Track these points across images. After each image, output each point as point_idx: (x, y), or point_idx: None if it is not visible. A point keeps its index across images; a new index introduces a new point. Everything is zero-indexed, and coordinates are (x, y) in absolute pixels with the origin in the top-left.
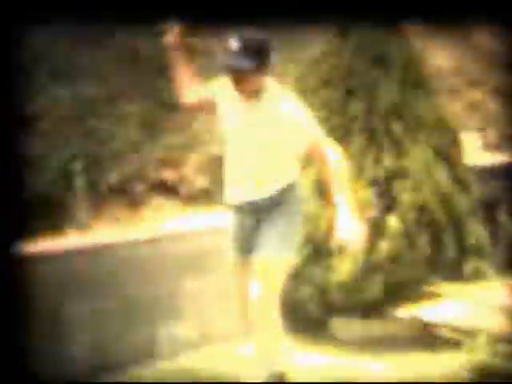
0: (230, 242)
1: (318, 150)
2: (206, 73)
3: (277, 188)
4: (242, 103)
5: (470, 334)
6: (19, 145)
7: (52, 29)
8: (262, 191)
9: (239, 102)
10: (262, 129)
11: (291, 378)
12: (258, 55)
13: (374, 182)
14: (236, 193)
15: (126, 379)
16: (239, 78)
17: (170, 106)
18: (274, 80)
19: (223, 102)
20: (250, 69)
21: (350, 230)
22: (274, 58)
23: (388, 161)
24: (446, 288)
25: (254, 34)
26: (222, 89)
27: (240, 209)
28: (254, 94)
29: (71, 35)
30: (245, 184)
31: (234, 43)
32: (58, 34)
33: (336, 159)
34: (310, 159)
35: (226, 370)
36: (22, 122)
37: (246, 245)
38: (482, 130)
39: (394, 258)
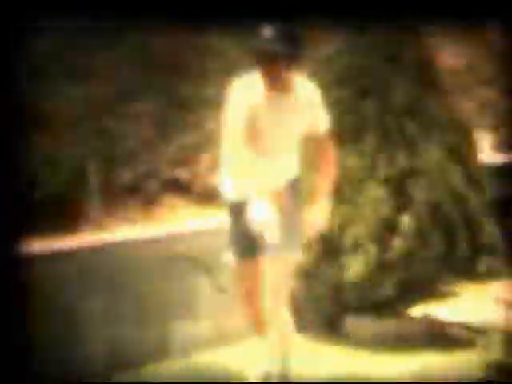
0: (229, 244)
1: (324, 146)
2: (222, 74)
3: (287, 178)
4: (270, 94)
5: (484, 332)
6: (33, 144)
7: (65, 29)
8: (277, 180)
9: (267, 93)
10: (287, 119)
11: (303, 377)
12: (293, 43)
13: (387, 181)
14: (248, 186)
15: (139, 377)
16: (272, 65)
17: (183, 104)
18: (300, 74)
19: (252, 101)
20: (285, 54)
21: (318, 223)
22: (304, 50)
23: (401, 160)
24: (460, 286)
25: (286, 25)
26: (248, 89)
27: (245, 206)
28: (283, 84)
29: (84, 35)
30: (260, 175)
31: (269, 31)
32: (71, 33)
33: (333, 161)
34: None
35: (239, 368)
36: (35, 121)
37: (251, 243)
38: (494, 128)
39: (408, 257)
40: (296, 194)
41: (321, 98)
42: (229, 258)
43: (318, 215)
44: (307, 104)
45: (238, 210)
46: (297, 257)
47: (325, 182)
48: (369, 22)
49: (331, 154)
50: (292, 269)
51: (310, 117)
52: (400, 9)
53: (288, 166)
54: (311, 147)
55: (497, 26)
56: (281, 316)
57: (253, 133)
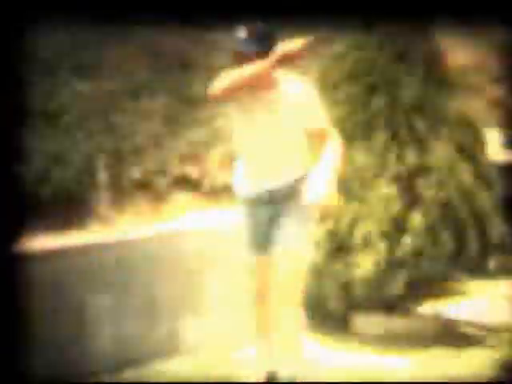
0: (244, 240)
1: (322, 136)
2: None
3: (293, 176)
4: (258, 93)
5: (494, 330)
6: (42, 141)
7: (75, 25)
8: (280, 178)
9: (255, 92)
10: (274, 115)
11: (311, 375)
12: (266, 41)
13: (397, 179)
14: (254, 183)
15: (147, 375)
16: (246, 64)
17: (191, 101)
18: (287, 69)
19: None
20: (258, 53)
21: (320, 192)
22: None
23: (411, 157)
24: (469, 284)
25: (259, 23)
26: None
27: (255, 203)
28: (263, 82)
29: (93, 33)
30: (264, 172)
31: (241, 31)
32: (80, 30)
33: (335, 145)
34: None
35: (246, 367)
36: (44, 118)
37: (262, 241)
38: (503, 127)
39: (418, 254)
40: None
41: (314, 97)
42: (247, 253)
43: (324, 187)
44: (296, 102)
45: (251, 207)
46: (305, 255)
47: (328, 156)
48: (380, 19)
49: (334, 144)
50: (302, 268)
51: (301, 115)
52: (411, 6)
53: (286, 163)
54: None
55: (504, 24)
56: (290, 315)
57: (245, 130)
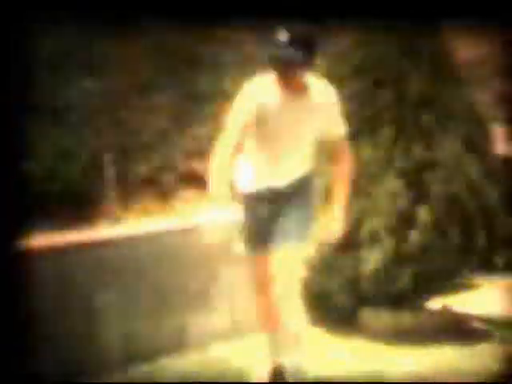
0: (240, 234)
1: (341, 149)
2: (237, 66)
3: (296, 176)
4: (284, 96)
5: (502, 325)
6: (49, 137)
7: (82, 23)
8: (285, 177)
9: (281, 95)
10: (301, 121)
11: (317, 370)
12: (307, 47)
13: (403, 174)
14: (258, 180)
15: (154, 371)
16: (286, 70)
17: (198, 97)
18: (312, 74)
19: (263, 100)
20: (299, 61)
21: (334, 231)
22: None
23: (418, 152)
24: (477, 279)
25: (302, 27)
26: (261, 89)
27: (256, 198)
28: (297, 87)
29: (100, 29)
30: (270, 170)
31: (283, 35)
32: (87, 28)
33: (349, 164)
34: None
35: (255, 361)
36: (52, 114)
37: (260, 235)
38: (510, 120)
39: (425, 249)
40: (307, 188)
41: (337, 102)
42: (240, 248)
43: (334, 225)
44: (323, 107)
45: (251, 204)
46: (305, 246)
47: (340, 192)
48: (386, 15)
49: (347, 160)
50: (301, 259)
51: (324, 120)
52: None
53: (296, 165)
54: (329, 147)
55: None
56: (294, 307)
57: (262, 131)
